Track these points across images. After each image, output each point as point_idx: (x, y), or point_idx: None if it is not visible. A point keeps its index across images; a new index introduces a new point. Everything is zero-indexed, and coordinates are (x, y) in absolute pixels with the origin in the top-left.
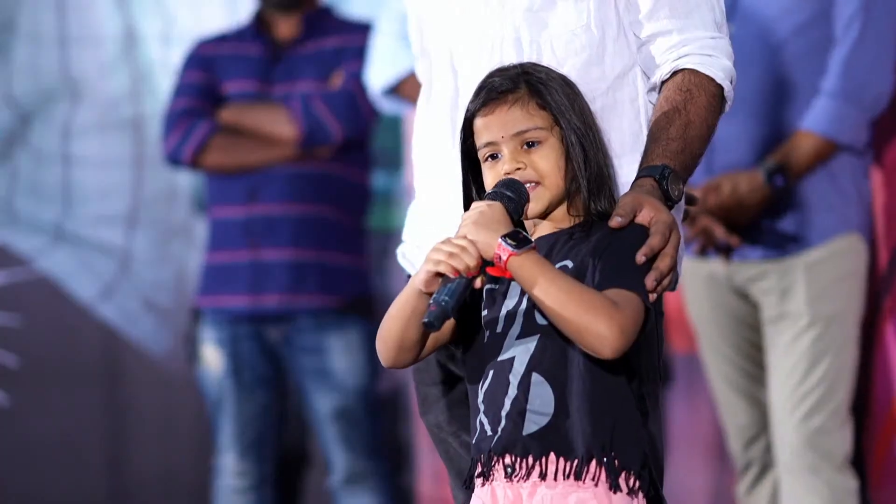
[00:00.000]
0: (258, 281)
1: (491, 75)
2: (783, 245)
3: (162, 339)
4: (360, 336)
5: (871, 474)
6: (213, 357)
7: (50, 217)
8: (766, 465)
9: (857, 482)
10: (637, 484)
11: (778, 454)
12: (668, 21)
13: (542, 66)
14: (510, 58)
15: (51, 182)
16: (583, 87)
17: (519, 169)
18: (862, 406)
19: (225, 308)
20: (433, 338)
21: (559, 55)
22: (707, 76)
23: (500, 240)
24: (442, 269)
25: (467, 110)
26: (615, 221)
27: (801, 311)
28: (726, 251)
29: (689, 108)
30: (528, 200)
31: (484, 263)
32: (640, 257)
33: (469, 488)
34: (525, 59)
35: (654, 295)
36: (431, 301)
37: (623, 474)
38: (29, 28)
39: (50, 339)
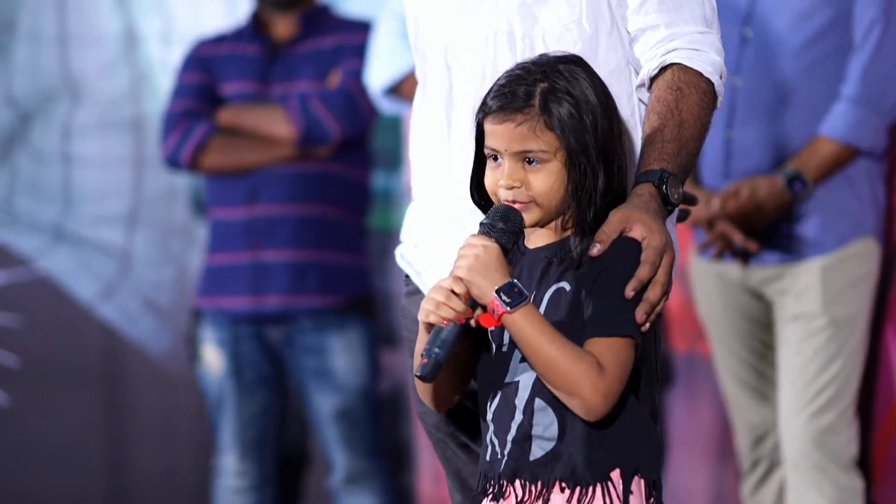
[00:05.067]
0: (259, 282)
1: (511, 78)
2: (800, 249)
3: (162, 339)
4: (361, 336)
5: (872, 473)
6: (213, 357)
7: (50, 217)
8: (774, 464)
9: (863, 482)
10: (657, 494)
11: (785, 452)
12: (656, 15)
13: (567, 68)
14: (503, 52)
15: (51, 182)
16: None
17: (514, 187)
18: (864, 406)
19: (226, 309)
20: (468, 364)
21: (551, 49)
22: (696, 72)
23: (494, 294)
24: (432, 319)
25: (483, 104)
26: (594, 250)
27: (816, 312)
28: (744, 256)
29: (681, 108)
30: (522, 225)
31: (477, 304)
32: (629, 292)
33: (478, 500)
34: (518, 54)
35: (647, 326)
36: (423, 353)
37: (645, 489)
38: (29, 28)
39: (50, 339)
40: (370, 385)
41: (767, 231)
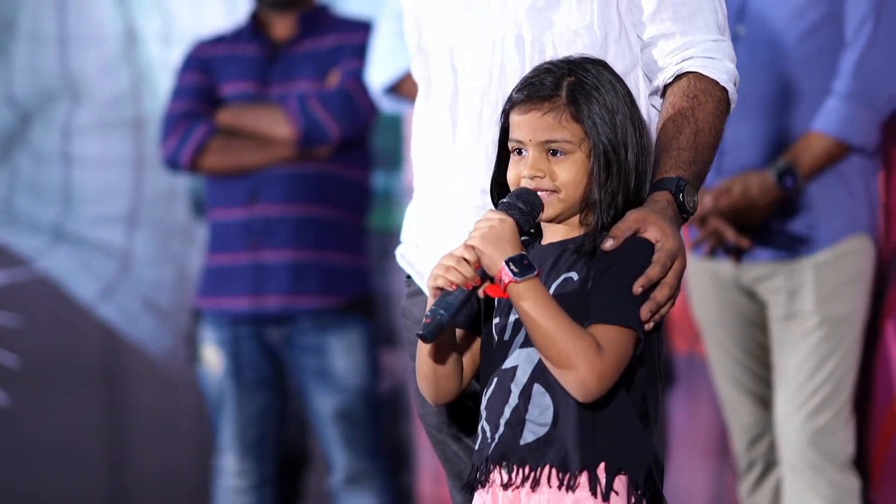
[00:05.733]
0: (259, 282)
1: (539, 70)
2: (793, 246)
3: (162, 339)
4: (361, 336)
5: (871, 473)
6: (213, 357)
7: (50, 217)
8: (770, 465)
9: (860, 482)
10: (639, 493)
11: (782, 452)
12: (671, 23)
13: (595, 68)
14: (511, 56)
15: (51, 182)
16: None
17: (537, 177)
18: (862, 405)
19: (226, 309)
20: (470, 359)
21: (561, 55)
22: (712, 80)
23: (503, 263)
24: (440, 283)
25: (510, 98)
26: (607, 244)
27: (809, 311)
28: (736, 253)
29: (697, 115)
30: (541, 210)
31: (486, 277)
32: (637, 289)
33: (469, 491)
34: (526, 58)
35: (651, 324)
36: (427, 313)
37: (626, 485)
38: (29, 28)
39: (50, 339)
40: (370, 385)
41: (761, 228)
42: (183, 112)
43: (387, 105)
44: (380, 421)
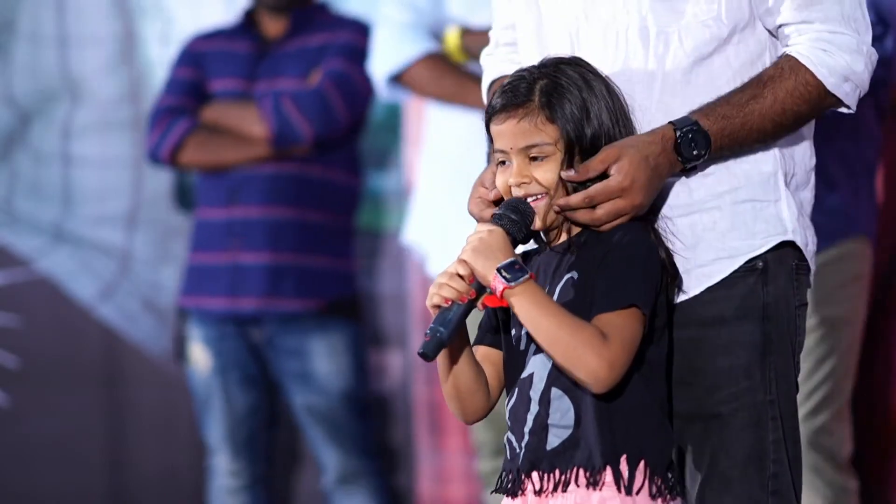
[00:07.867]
0: (236, 283)
1: (515, 77)
2: None
3: (162, 339)
4: (344, 338)
5: (871, 474)
6: (200, 356)
7: (50, 217)
8: None
9: (858, 482)
10: (663, 486)
11: None
12: (788, 13)
13: (569, 68)
14: (635, 48)
15: (51, 182)
16: (705, 78)
17: (524, 183)
18: (862, 406)
19: (206, 309)
20: (495, 375)
21: (686, 46)
22: (805, 67)
23: (495, 271)
24: (435, 301)
25: (490, 106)
26: (569, 173)
27: (807, 312)
28: None
29: (767, 84)
30: (532, 217)
31: (482, 289)
32: (567, 175)
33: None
34: (651, 51)
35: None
36: (427, 331)
37: (649, 477)
38: (29, 28)
39: (50, 339)
40: (353, 387)
41: None
42: (168, 107)
43: (388, 95)
44: (370, 421)
